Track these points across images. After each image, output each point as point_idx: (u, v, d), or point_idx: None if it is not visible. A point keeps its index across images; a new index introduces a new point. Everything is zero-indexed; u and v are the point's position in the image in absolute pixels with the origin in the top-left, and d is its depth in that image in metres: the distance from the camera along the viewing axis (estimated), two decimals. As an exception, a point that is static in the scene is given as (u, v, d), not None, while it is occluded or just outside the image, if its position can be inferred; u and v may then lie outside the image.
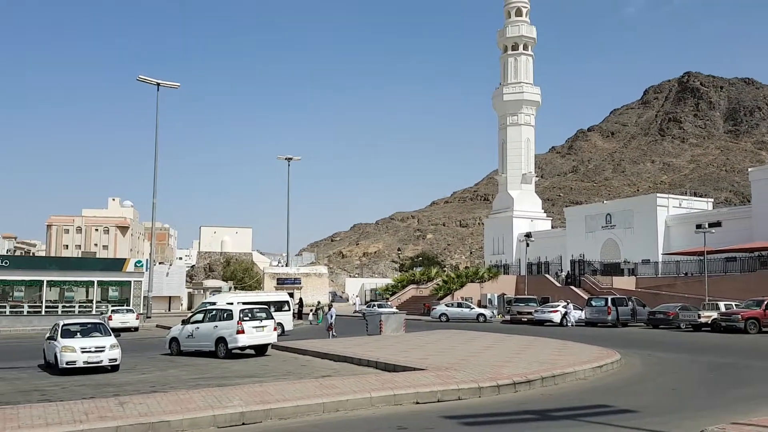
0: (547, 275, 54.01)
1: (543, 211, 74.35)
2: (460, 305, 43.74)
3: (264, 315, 21.40)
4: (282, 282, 71.65)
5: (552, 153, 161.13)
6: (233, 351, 20.43)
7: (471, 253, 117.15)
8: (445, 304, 44.87)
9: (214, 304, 29.74)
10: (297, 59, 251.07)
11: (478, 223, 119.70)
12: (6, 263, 44.61)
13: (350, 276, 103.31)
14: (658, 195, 59.61)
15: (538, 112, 73.35)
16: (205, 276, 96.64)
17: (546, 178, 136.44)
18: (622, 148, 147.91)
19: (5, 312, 40.52)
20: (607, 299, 37.32)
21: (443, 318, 41.92)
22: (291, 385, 13.31)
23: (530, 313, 39.15)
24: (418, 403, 12.19)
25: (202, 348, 21.18)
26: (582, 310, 38.49)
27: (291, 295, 69.98)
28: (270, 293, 37.63)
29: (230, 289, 70.68)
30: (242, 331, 20.21)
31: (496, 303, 47.74)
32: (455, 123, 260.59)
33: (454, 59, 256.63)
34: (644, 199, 63.05)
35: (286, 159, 66.90)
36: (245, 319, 20.52)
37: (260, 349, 21.12)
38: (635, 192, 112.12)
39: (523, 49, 72.67)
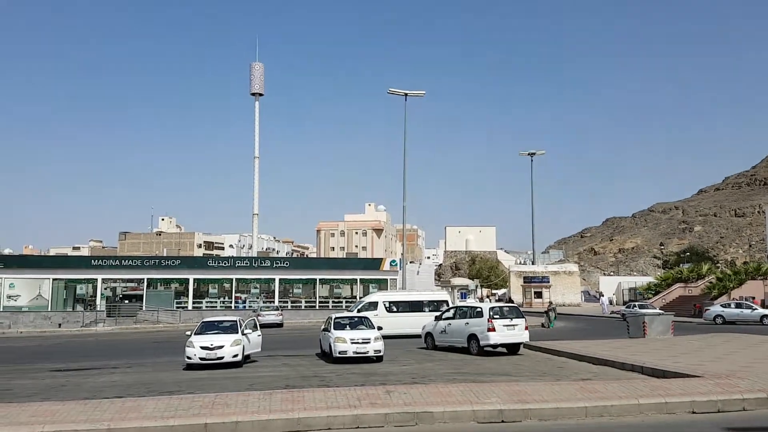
0: None
1: None
2: (739, 305, 38.45)
3: (514, 314, 21.24)
4: (529, 281, 70.57)
5: None
6: (485, 348, 20.66)
7: (750, 246, 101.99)
8: (721, 305, 39.83)
9: (363, 302, 30.42)
10: (536, 52, 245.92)
11: (758, 212, 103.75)
12: (287, 264, 51.55)
13: (604, 274, 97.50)
14: None
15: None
16: (452, 274, 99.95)
17: None
18: None
19: (287, 306, 46.72)
20: None
21: (718, 320, 37.28)
22: (548, 386, 12.93)
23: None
24: (693, 412, 10.91)
25: (455, 344, 21.81)
26: None
27: (539, 294, 68.92)
28: (424, 292, 35.61)
29: (476, 287, 71.85)
30: (493, 329, 20.29)
31: (785, 303, 40.90)
32: (726, 99, 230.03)
33: (720, 27, 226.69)
34: None
35: (528, 154, 65.71)
36: (495, 317, 20.57)
37: (512, 348, 21.01)
38: None
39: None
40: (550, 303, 43.55)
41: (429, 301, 30.95)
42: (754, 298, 42.81)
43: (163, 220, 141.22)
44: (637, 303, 46.73)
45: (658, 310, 37.20)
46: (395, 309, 29.70)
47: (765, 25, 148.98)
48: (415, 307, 30.16)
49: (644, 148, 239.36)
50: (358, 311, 27.83)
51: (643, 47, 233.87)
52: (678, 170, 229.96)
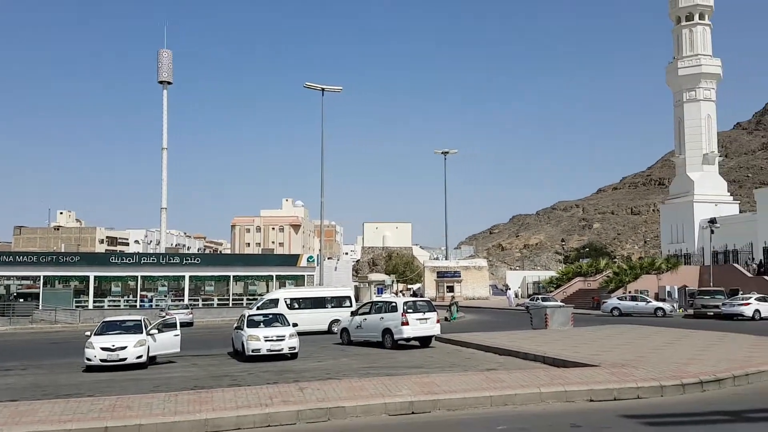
0: (735, 265, 48.76)
1: (728, 194, 67.12)
2: (634, 298, 41.01)
3: (427, 308, 21.72)
4: (442, 275, 72.11)
5: (737, 130, 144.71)
6: (399, 342, 20.99)
7: (645, 242, 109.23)
8: (618, 298, 42.34)
9: (263, 299, 30.02)
10: (452, 51, 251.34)
11: (653, 210, 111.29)
12: (198, 261, 49.99)
13: (511, 269, 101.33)
14: None
15: (719, 86, 66.35)
16: (369, 270, 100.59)
17: (731, 158, 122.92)
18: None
19: (198, 305, 45.29)
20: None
21: (615, 312, 39.61)
22: (457, 377, 13.31)
23: (717, 307, 35.56)
24: (591, 400, 11.56)
25: (370, 338, 22.02)
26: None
27: (451, 288, 70.64)
28: (327, 288, 36.22)
29: (393, 282, 72.76)
30: (407, 323, 20.70)
31: (676, 296, 44.01)
32: (623, 103, 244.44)
33: (619, 35, 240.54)
34: None
35: (442, 153, 67.18)
36: (409, 311, 21.01)
37: (424, 341, 21.50)
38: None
39: (699, 19, 66.04)
40: (453, 297, 45.12)
41: (332, 297, 30.83)
42: (648, 291, 45.72)
43: (61, 214, 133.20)
44: (540, 296, 48.83)
45: (559, 303, 39.04)
46: (297, 306, 29.19)
47: (660, 29, 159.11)
48: (318, 303, 29.98)
49: (548, 150, 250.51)
50: (258, 309, 26.76)
51: (549, 54, 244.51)
52: (578, 170, 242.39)
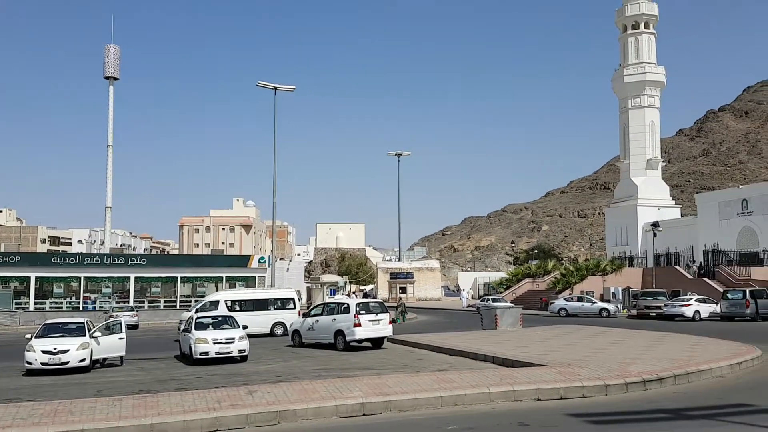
0: (677, 267, 50.62)
1: (671, 198, 69.86)
2: (580, 299, 42.09)
3: (379, 309, 21.75)
4: (395, 276, 72.46)
5: (680, 136, 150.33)
6: (351, 343, 20.94)
7: (591, 245, 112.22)
8: (564, 299, 43.34)
9: (203, 301, 29.45)
10: (405, 53, 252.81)
11: (598, 213, 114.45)
12: (144, 261, 48.66)
13: (462, 270, 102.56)
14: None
15: (662, 94, 69.00)
16: (322, 271, 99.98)
17: (673, 163, 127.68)
18: (758, 128, 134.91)
19: (144, 306, 44.08)
20: (744, 291, 34.51)
21: (562, 313, 40.55)
22: (409, 378, 13.37)
23: (659, 308, 36.86)
24: (539, 399, 11.80)
25: (322, 340, 21.89)
26: (717, 303, 35.86)
27: (404, 289, 71.07)
28: (270, 289, 36.08)
29: (345, 283, 72.61)
30: (359, 325, 20.67)
31: (620, 297, 45.38)
32: (570, 109, 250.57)
33: (568, 41, 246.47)
34: (788, 182, 57.30)
35: (396, 155, 67.51)
36: (361, 312, 20.99)
37: (376, 342, 21.51)
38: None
39: (644, 28, 68.53)
40: (400, 299, 45.52)
41: (275, 299, 30.36)
42: (593, 292, 46.97)
43: (1, 212, 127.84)
44: (490, 297, 49.60)
45: (509, 304, 39.76)
46: (238, 308, 28.45)
47: (607, 36, 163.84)
48: (260, 305, 29.44)
49: (498, 152, 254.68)
50: (197, 311, 25.82)
51: (497, 57, 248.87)
52: (528, 174, 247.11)
